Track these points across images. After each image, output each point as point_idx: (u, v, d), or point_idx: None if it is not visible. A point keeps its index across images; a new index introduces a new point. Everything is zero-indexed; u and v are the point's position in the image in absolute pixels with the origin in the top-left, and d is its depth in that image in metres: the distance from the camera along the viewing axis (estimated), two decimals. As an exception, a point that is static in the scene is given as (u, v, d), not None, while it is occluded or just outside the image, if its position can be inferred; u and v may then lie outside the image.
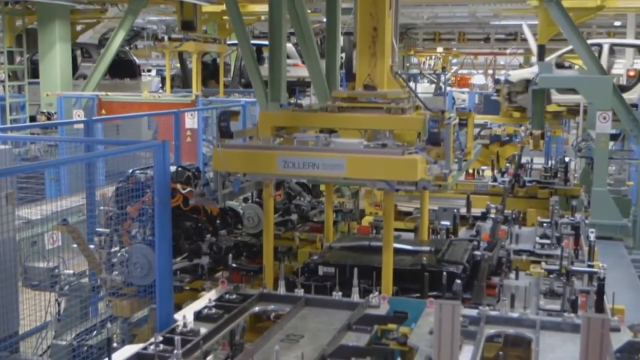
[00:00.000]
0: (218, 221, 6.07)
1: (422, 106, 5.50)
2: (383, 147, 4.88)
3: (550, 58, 13.42)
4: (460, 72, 39.71)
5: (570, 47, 14.19)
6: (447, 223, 6.58)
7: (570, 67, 14.57)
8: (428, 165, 4.64)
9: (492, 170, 10.22)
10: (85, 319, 6.00)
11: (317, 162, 4.72)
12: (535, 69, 12.62)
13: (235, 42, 15.66)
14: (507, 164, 11.11)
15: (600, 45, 13.56)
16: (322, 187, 9.61)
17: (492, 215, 6.66)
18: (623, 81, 13.38)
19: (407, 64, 28.08)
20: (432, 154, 4.77)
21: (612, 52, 13.67)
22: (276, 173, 4.92)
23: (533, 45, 11.85)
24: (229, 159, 4.94)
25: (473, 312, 4.31)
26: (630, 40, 19.77)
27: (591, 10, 12.75)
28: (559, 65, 13.22)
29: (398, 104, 5.21)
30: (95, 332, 5.74)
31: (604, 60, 12.95)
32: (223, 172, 5.01)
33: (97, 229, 5.56)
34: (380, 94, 5.29)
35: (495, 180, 9.65)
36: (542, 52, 11.60)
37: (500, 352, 4.08)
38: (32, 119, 15.36)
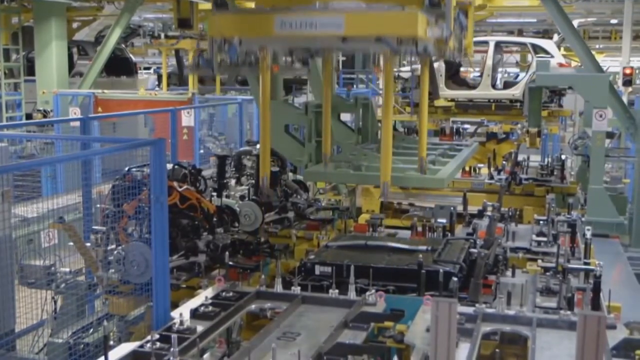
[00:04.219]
0: (215, 219, 6.06)
1: None
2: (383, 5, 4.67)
3: None
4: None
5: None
6: (444, 221, 6.58)
7: (460, 64, 14.64)
8: (429, 26, 4.50)
9: (489, 168, 10.23)
10: (82, 317, 5.99)
11: (315, 21, 4.60)
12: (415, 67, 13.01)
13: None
14: (504, 162, 11.13)
15: (486, 43, 13.67)
16: (321, 185, 9.63)
17: (489, 213, 6.67)
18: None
19: (405, 62, 28.02)
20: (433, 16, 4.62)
21: (498, 49, 13.78)
22: (273, 34, 4.75)
23: None
24: (225, 23, 4.81)
25: (469, 310, 4.31)
26: (517, 38, 19.74)
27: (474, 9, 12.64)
28: (448, 62, 13.30)
29: None
30: (91, 330, 5.74)
31: (489, 57, 13.07)
32: (218, 40, 4.89)
33: (94, 227, 5.54)
34: None
35: (491, 178, 9.66)
36: None
37: (497, 350, 4.10)
38: (28, 116, 15.35)
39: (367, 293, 4.61)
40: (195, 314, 4.37)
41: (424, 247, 5.53)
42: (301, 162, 6.70)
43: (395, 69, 13.13)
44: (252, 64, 5.32)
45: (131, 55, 20.89)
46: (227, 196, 6.94)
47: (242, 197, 6.96)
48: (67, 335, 5.67)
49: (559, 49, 13.52)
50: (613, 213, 9.04)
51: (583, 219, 7.16)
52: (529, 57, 13.58)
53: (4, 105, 15.32)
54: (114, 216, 5.34)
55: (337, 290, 4.70)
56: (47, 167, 9.56)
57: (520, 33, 27.17)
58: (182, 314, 4.27)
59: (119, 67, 19.30)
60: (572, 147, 12.61)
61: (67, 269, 6.00)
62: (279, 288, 4.77)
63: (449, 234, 6.37)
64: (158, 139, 4.77)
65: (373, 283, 4.83)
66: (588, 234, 5.49)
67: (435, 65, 12.67)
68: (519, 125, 12.26)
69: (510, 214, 6.91)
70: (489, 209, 6.82)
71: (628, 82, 17.02)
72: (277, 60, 5.79)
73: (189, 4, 16.74)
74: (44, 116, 14.32)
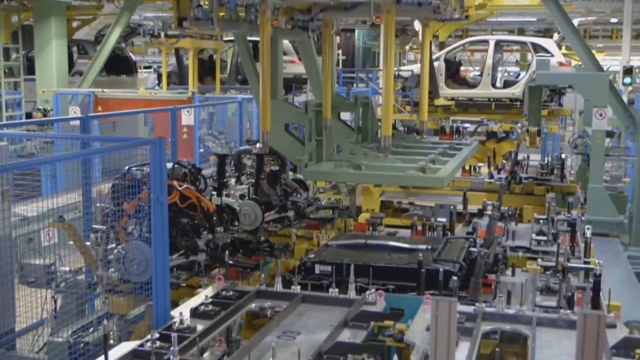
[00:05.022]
0: (215, 218, 6.07)
1: None
2: None
3: (439, 54, 13.51)
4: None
5: (459, 44, 14.30)
6: (444, 220, 6.59)
7: (460, 63, 14.68)
8: None
9: (489, 167, 10.24)
10: (82, 316, 6.00)
11: None
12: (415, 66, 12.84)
13: (232, 38, 15.62)
14: (504, 161, 11.14)
15: (487, 42, 13.71)
16: (321, 184, 9.63)
17: (489, 212, 6.68)
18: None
19: (404, 61, 27.98)
20: None
21: (498, 48, 13.84)
22: None
23: None
24: None
25: (469, 309, 4.32)
26: (517, 37, 19.82)
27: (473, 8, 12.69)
28: (448, 62, 13.37)
29: None
30: (91, 329, 5.74)
31: (489, 57, 13.12)
32: None
33: (94, 226, 5.55)
34: None
35: (491, 177, 9.67)
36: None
37: (497, 349, 4.10)
38: (28, 115, 15.34)
39: (367, 292, 4.61)
40: (195, 313, 4.37)
41: (423, 246, 5.53)
42: (301, 161, 6.70)
43: (395, 68, 13.21)
44: (252, 21, 5.25)
45: (131, 54, 20.86)
46: (227, 195, 6.94)
47: (242, 196, 6.96)
48: (67, 334, 5.67)
49: (559, 48, 13.53)
50: (613, 212, 9.04)
51: (583, 218, 7.17)
52: (529, 56, 13.60)
53: (4, 104, 15.32)
54: (113, 215, 5.34)
55: (337, 289, 4.70)
56: (47, 166, 9.54)
57: (520, 32, 27.15)
58: (182, 313, 4.26)
59: (119, 66, 19.27)
60: (572, 146, 12.61)
61: (67, 268, 6.00)
62: (278, 287, 4.77)
63: (449, 233, 6.38)
64: (158, 138, 4.77)
65: (373, 282, 4.83)
66: (588, 233, 5.50)
67: (436, 64, 12.69)
68: (519, 124, 12.28)
69: (510, 213, 6.91)
70: (489, 208, 6.82)
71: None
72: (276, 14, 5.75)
73: (189, 2, 16.74)
74: (44, 115, 14.31)
